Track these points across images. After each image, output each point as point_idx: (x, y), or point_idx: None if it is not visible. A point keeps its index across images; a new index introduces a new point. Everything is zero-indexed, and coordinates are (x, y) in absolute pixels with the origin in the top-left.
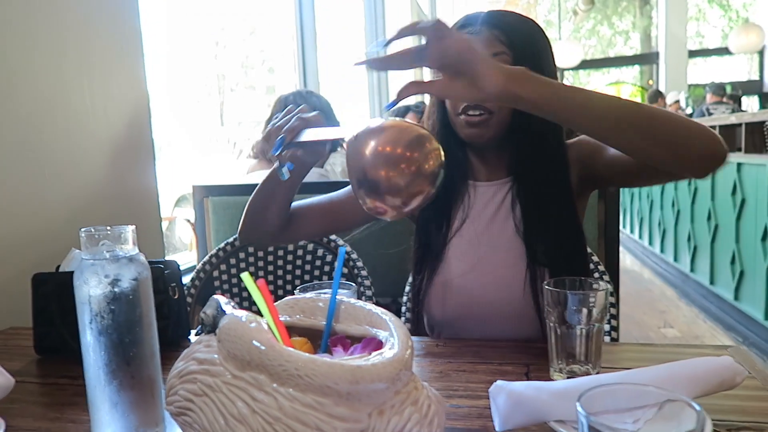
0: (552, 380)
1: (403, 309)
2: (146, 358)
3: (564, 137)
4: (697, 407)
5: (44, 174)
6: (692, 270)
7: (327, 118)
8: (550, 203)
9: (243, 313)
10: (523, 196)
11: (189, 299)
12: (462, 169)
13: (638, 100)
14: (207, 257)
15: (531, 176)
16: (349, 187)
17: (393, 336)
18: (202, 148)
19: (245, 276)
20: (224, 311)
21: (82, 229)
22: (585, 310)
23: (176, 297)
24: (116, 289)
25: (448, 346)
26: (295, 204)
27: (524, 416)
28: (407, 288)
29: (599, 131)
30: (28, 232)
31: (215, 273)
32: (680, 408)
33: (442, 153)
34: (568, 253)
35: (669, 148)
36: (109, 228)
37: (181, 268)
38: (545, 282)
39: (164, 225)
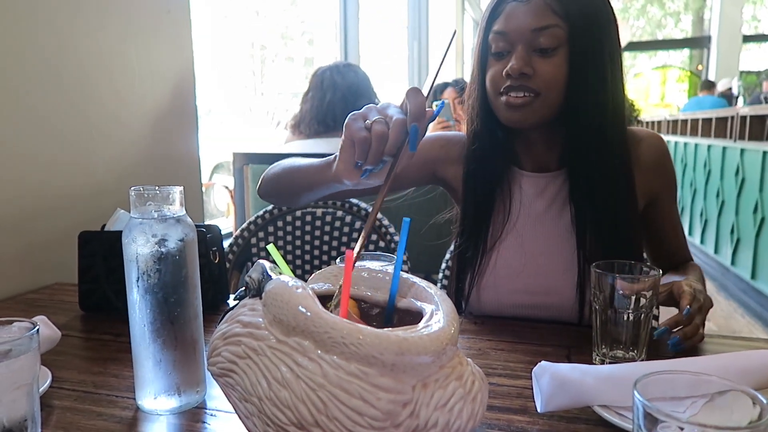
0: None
1: (438, 285)
2: (190, 319)
3: (625, 127)
4: (764, 400)
5: (92, 135)
6: (733, 263)
7: (365, 93)
8: (613, 202)
9: (289, 278)
10: (584, 192)
11: (226, 264)
12: (505, 155)
13: (685, 86)
14: (245, 224)
15: (593, 170)
16: None
17: (439, 310)
18: (241, 117)
19: (271, 247)
20: (270, 276)
21: (132, 188)
22: (634, 296)
23: (217, 261)
24: (163, 249)
25: (486, 324)
26: None
27: (567, 399)
28: (443, 265)
29: None
30: (75, 191)
31: (253, 240)
32: (735, 398)
33: None
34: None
35: None
36: (157, 188)
37: None
38: (593, 264)
39: None
